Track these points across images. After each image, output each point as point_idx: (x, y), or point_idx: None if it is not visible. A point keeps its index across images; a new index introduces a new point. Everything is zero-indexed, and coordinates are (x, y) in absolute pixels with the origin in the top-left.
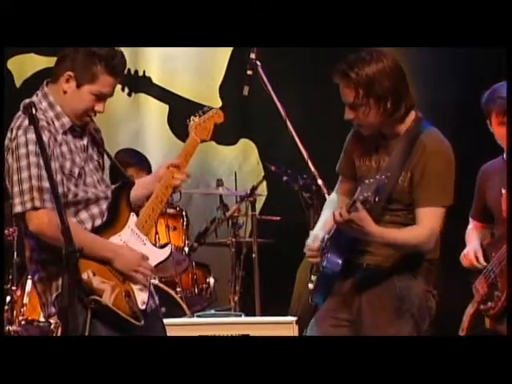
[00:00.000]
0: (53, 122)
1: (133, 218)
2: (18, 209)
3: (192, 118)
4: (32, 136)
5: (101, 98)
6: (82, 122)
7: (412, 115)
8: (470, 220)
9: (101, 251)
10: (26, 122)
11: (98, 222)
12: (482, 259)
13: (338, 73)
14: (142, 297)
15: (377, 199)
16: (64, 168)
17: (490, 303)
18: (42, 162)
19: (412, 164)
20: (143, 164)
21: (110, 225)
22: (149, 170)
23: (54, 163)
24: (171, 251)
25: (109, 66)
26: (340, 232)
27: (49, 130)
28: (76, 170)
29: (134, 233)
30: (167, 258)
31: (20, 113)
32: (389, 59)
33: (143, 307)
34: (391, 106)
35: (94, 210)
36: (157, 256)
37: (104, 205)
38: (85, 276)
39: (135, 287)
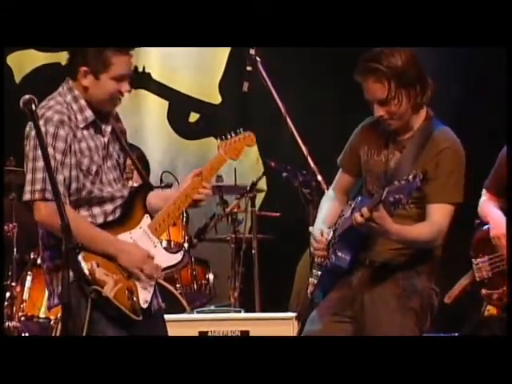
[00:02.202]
0: (75, 117)
1: (147, 219)
2: (26, 197)
3: (223, 137)
4: (50, 128)
5: (121, 79)
6: (111, 110)
7: (423, 112)
8: (484, 192)
9: (105, 246)
10: (50, 114)
11: (111, 218)
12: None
13: (363, 70)
14: (145, 295)
15: (409, 202)
16: (81, 164)
17: (495, 294)
18: (58, 155)
19: (424, 161)
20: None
21: (121, 222)
22: (140, 157)
23: (70, 159)
24: (182, 258)
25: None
26: (350, 230)
27: (69, 125)
28: (93, 168)
29: (145, 234)
30: (177, 264)
31: (51, 101)
32: (406, 50)
33: (145, 306)
34: (419, 92)
35: (108, 206)
36: (166, 260)
37: (119, 203)
38: (88, 266)
39: (139, 285)
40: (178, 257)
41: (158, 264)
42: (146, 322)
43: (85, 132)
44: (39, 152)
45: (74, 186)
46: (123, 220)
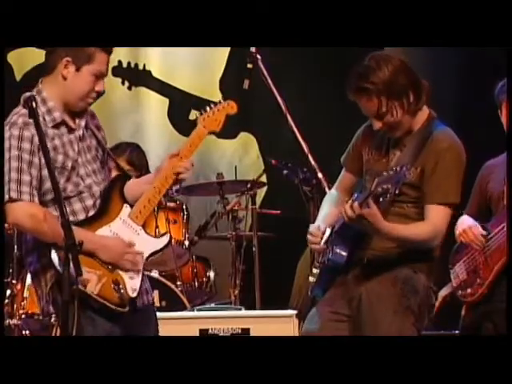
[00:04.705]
0: (43, 118)
1: (126, 209)
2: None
3: (202, 110)
4: (15, 132)
5: (99, 77)
6: (83, 109)
7: (425, 113)
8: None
9: (83, 244)
10: (15, 118)
11: (92, 213)
12: (481, 237)
13: (353, 90)
14: (132, 284)
15: (397, 191)
16: (55, 162)
17: (469, 290)
18: (25, 155)
19: (423, 160)
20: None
21: (100, 216)
22: (136, 154)
23: (40, 158)
24: (169, 241)
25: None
26: (346, 225)
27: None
28: (69, 163)
29: (126, 224)
30: (164, 247)
31: (17, 108)
32: (394, 59)
33: (134, 295)
34: (414, 99)
35: (88, 201)
36: (152, 245)
37: (98, 196)
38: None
39: (125, 275)
40: (164, 240)
41: (141, 250)
42: (135, 316)
43: (56, 130)
44: (5, 156)
45: (47, 185)
46: (101, 214)
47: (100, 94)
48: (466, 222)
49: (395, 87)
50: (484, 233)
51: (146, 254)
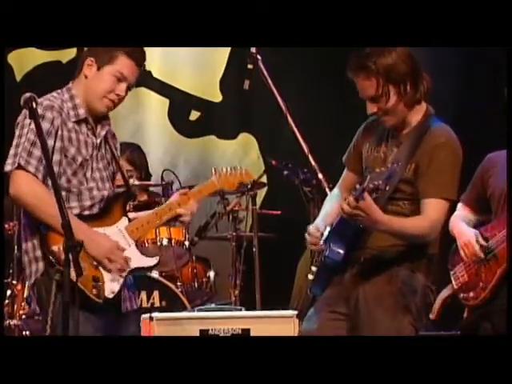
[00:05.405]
0: (68, 111)
1: (124, 221)
2: (6, 168)
3: (221, 168)
4: (38, 110)
5: (120, 79)
6: (102, 111)
7: (423, 109)
8: (460, 206)
9: (74, 231)
10: (41, 100)
11: (87, 213)
12: (482, 251)
13: (354, 67)
14: (112, 286)
15: (387, 188)
16: (67, 151)
17: (471, 293)
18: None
19: (418, 155)
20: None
21: (98, 218)
22: (137, 156)
23: (55, 141)
24: (157, 263)
25: (127, 50)
26: (343, 222)
27: (59, 112)
28: (79, 159)
29: (120, 233)
30: (150, 268)
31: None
32: (400, 49)
33: (110, 296)
34: (411, 89)
35: (86, 202)
36: (139, 261)
37: (97, 200)
38: (55, 248)
39: (107, 276)
40: (153, 261)
41: (128, 256)
42: (118, 320)
43: (76, 126)
44: (24, 130)
45: (54, 169)
46: (100, 217)
47: (121, 98)
48: (466, 233)
49: (395, 73)
50: (485, 244)
51: (130, 267)
